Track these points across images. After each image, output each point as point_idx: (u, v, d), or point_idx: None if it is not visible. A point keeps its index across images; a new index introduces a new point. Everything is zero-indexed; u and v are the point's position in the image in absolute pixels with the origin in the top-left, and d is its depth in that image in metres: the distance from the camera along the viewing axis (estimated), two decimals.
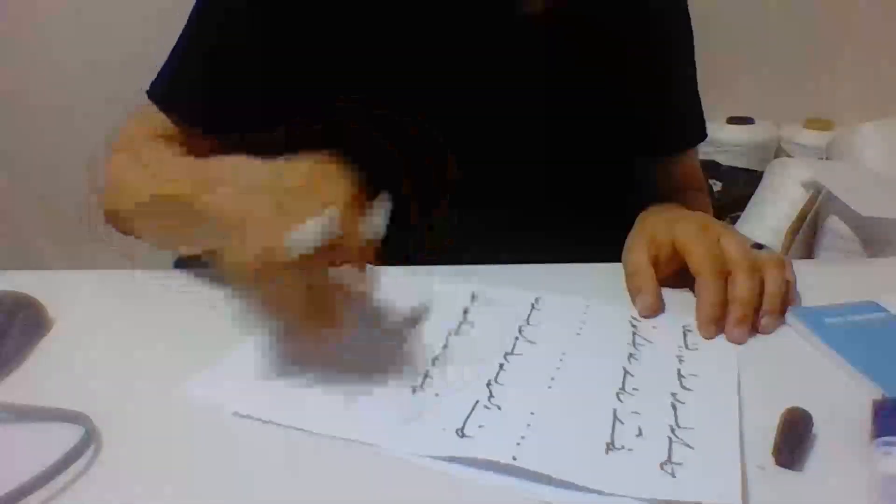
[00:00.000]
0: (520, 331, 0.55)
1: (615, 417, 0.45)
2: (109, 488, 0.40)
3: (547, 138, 0.73)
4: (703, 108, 0.85)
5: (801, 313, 0.57)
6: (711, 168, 1.86)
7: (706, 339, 0.55)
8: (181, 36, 0.72)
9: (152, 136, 0.71)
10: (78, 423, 0.43)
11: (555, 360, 0.51)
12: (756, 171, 1.79)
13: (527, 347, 0.53)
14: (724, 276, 0.57)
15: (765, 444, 0.43)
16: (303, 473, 0.42)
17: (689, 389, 0.48)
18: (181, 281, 0.63)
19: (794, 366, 0.52)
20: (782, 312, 0.57)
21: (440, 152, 0.69)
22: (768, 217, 1.53)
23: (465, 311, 0.58)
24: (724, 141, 1.90)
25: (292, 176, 0.50)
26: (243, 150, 0.53)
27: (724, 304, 0.55)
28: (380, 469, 0.42)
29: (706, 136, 0.86)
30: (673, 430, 0.44)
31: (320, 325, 0.49)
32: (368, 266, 0.52)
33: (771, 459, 0.42)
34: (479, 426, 0.44)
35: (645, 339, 0.55)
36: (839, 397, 0.47)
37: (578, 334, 0.55)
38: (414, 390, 0.48)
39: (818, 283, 0.61)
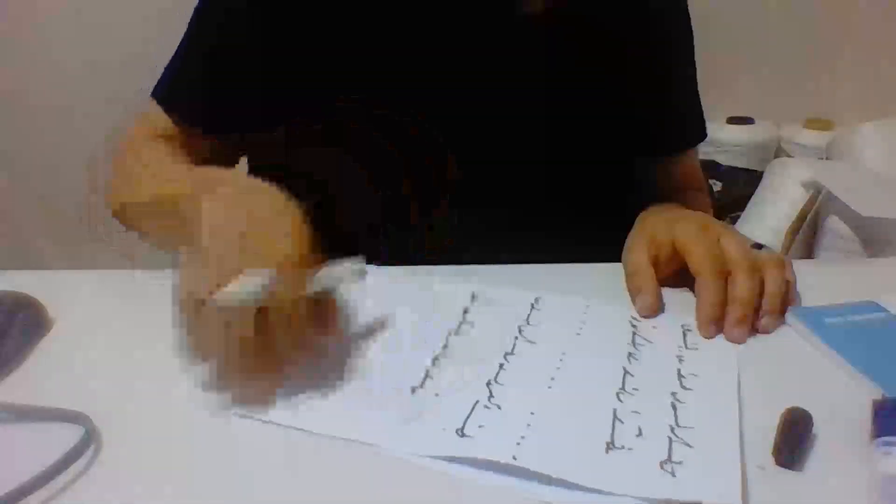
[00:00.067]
0: (520, 331, 0.55)
1: (615, 417, 0.45)
2: (109, 488, 0.40)
3: (547, 138, 0.73)
4: (703, 108, 0.85)
5: (801, 313, 0.57)
6: (711, 168, 1.85)
7: (706, 338, 0.55)
8: (184, 37, 0.72)
9: (153, 137, 0.71)
10: (78, 423, 0.43)
11: (555, 360, 0.51)
12: (756, 171, 1.79)
13: (527, 347, 0.53)
14: (724, 276, 0.57)
15: (765, 444, 0.43)
16: (303, 473, 0.42)
17: (688, 389, 0.48)
18: None
19: (794, 366, 0.52)
20: (782, 312, 0.57)
21: (440, 152, 0.69)
22: (768, 217, 1.53)
23: (465, 311, 0.58)
24: (724, 141, 1.89)
25: (259, 207, 0.49)
26: (243, 150, 0.53)
27: (724, 304, 0.55)
28: (380, 469, 0.42)
29: (706, 136, 0.86)
30: (673, 430, 0.44)
31: (255, 367, 0.46)
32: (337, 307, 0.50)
33: (771, 459, 0.42)
34: (479, 426, 0.44)
35: (645, 339, 0.54)
36: (839, 397, 0.47)
37: (578, 334, 0.55)
38: (414, 390, 0.48)
39: (818, 283, 0.61)
